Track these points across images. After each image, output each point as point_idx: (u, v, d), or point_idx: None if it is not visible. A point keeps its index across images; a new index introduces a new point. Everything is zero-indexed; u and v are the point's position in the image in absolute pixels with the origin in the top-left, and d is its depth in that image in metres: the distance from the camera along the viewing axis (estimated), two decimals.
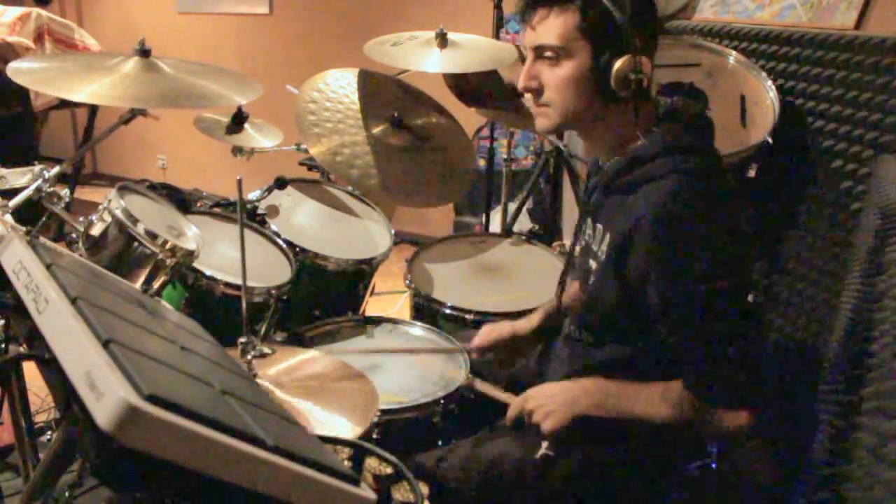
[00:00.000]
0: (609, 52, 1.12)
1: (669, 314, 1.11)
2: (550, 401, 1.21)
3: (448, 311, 1.83)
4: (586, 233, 1.31)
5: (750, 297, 1.61)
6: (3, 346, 1.12)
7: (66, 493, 1.45)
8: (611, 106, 1.17)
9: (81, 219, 1.49)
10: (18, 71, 1.48)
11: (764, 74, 1.92)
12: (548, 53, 1.16)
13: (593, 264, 1.25)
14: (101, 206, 1.48)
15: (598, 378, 1.22)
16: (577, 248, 1.36)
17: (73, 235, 1.49)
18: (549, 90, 1.18)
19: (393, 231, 2.16)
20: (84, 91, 1.43)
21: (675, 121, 1.19)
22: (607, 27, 1.11)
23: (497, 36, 2.92)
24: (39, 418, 1.82)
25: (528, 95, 1.22)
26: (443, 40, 2.04)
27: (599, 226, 1.24)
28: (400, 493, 0.90)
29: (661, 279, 1.10)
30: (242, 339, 1.26)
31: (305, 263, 1.89)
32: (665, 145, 1.14)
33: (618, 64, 1.11)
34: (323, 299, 1.97)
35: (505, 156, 2.89)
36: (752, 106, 1.90)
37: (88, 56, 1.85)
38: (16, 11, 3.56)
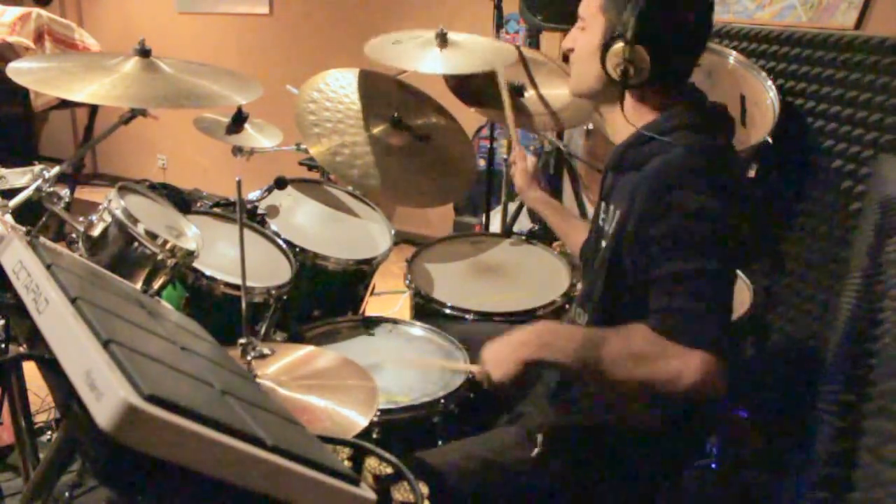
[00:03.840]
0: (615, 35, 1.15)
1: (645, 252, 1.10)
2: (498, 350, 1.16)
3: (448, 311, 1.83)
4: (601, 216, 1.31)
5: (749, 291, 1.60)
6: (3, 346, 1.12)
7: (66, 493, 1.45)
8: (622, 92, 1.19)
9: (81, 219, 1.49)
10: (18, 71, 1.48)
11: (764, 74, 1.92)
12: (579, 22, 1.25)
13: (603, 243, 1.25)
14: (101, 206, 1.48)
15: (553, 321, 1.21)
16: (593, 231, 1.37)
17: (73, 235, 1.49)
18: (573, 56, 1.27)
19: (393, 231, 2.16)
20: (84, 91, 1.43)
21: (688, 100, 1.19)
22: (621, 10, 1.14)
23: (497, 36, 2.93)
24: (39, 418, 1.82)
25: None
26: (443, 40, 2.05)
27: (611, 206, 1.25)
28: (400, 493, 0.90)
29: (641, 231, 1.10)
30: (242, 340, 1.26)
31: (305, 263, 1.89)
32: (674, 123, 1.16)
33: (612, 48, 1.15)
34: (323, 299, 1.97)
35: (505, 156, 2.89)
36: (752, 106, 1.90)
37: (88, 56, 1.85)
38: (16, 11, 3.56)
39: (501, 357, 1.15)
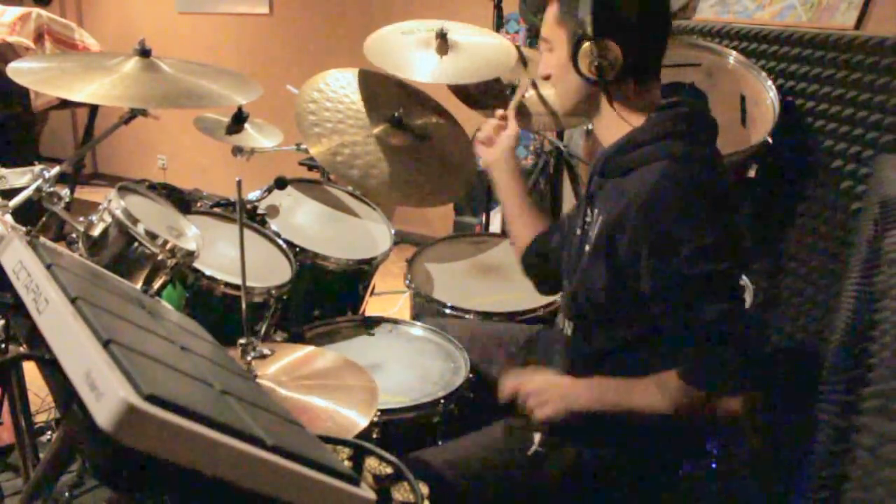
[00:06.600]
0: (579, 38, 1.15)
1: (660, 298, 1.12)
2: (549, 389, 1.21)
3: (448, 311, 1.83)
4: (585, 220, 1.31)
5: (749, 291, 1.60)
6: (3, 346, 1.12)
7: (66, 493, 1.45)
8: (608, 91, 1.19)
9: (81, 219, 1.49)
10: (18, 71, 1.48)
11: (764, 74, 1.92)
12: (545, 46, 1.25)
13: (587, 248, 1.25)
14: (101, 206, 1.48)
15: (597, 376, 1.22)
16: (577, 234, 1.36)
17: (73, 235, 1.49)
18: (552, 78, 1.26)
19: (393, 231, 2.16)
20: (84, 91, 1.42)
21: (672, 109, 1.19)
22: (576, 13, 1.15)
23: None
24: (39, 418, 1.82)
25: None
26: (443, 42, 2.04)
27: (595, 210, 1.25)
28: (400, 493, 0.90)
29: (651, 263, 1.11)
30: (242, 340, 1.26)
31: (305, 263, 1.89)
32: (659, 131, 1.16)
33: (581, 50, 1.15)
34: (323, 299, 1.97)
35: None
36: (752, 106, 1.90)
37: (88, 56, 1.84)
38: (16, 11, 3.56)
39: (548, 399, 1.20)
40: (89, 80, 1.46)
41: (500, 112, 1.60)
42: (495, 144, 1.57)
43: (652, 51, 1.19)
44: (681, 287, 1.09)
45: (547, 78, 1.27)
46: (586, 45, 1.14)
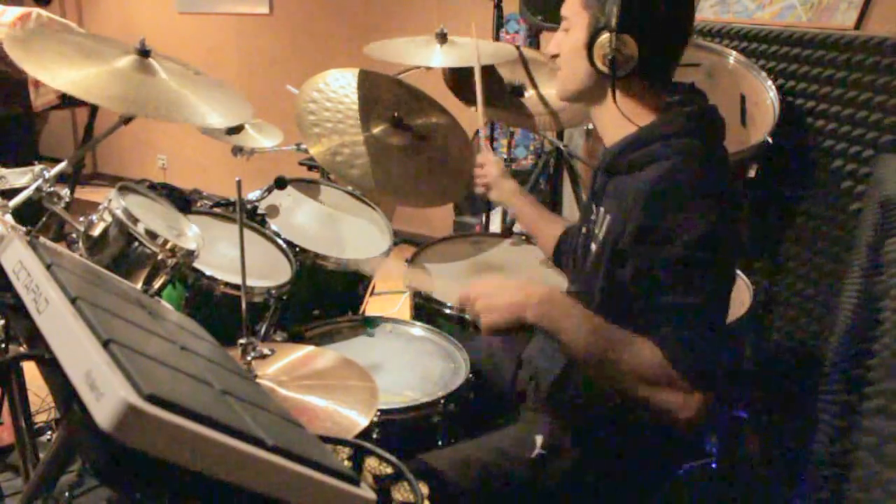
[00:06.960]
0: (600, 27, 1.14)
1: (639, 279, 1.10)
2: (496, 295, 1.12)
3: (448, 311, 1.83)
4: (591, 218, 1.30)
5: (749, 291, 1.59)
6: (3, 346, 1.12)
7: (66, 493, 1.45)
8: (614, 86, 1.18)
9: (81, 219, 1.49)
10: (13, 41, 1.43)
11: (764, 74, 1.92)
12: (563, 24, 1.24)
13: (593, 247, 1.25)
14: (101, 206, 1.48)
15: (559, 291, 1.14)
16: (582, 232, 1.35)
17: (73, 235, 1.49)
18: (560, 59, 1.26)
19: (393, 231, 2.15)
20: (71, 77, 1.39)
21: (682, 107, 1.19)
22: (604, 2, 1.14)
23: (497, 36, 2.93)
24: (39, 418, 1.82)
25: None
26: (443, 38, 2.05)
27: (602, 209, 1.24)
28: (400, 493, 0.90)
29: (641, 251, 1.10)
30: (242, 340, 1.26)
31: (305, 263, 1.89)
32: (669, 129, 1.15)
33: (598, 40, 1.15)
34: (323, 299, 1.97)
35: (505, 156, 2.89)
36: (752, 106, 1.90)
37: (91, 40, 1.77)
38: (16, 11, 3.56)
39: (496, 306, 1.11)
40: (81, 67, 1.44)
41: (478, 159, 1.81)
42: (489, 182, 1.74)
43: (668, 55, 1.19)
44: (665, 269, 1.07)
45: (554, 57, 1.26)
46: (605, 35, 1.13)
